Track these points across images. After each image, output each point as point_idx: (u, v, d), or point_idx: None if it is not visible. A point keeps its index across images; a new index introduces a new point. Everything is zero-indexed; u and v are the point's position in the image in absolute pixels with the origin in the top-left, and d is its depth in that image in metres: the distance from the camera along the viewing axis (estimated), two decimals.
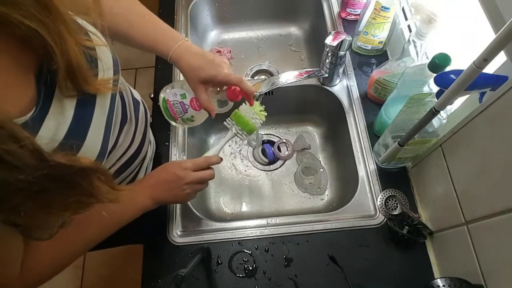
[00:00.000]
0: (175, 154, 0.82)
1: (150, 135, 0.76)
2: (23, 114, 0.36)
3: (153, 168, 0.73)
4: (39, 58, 0.38)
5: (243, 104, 0.67)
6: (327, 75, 0.85)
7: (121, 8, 0.62)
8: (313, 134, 1.02)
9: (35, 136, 0.36)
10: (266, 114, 0.67)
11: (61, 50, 0.37)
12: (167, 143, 0.83)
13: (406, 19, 0.88)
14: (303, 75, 0.81)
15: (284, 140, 1.00)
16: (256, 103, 0.67)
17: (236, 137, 0.67)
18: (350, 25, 0.97)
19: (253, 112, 0.65)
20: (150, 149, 0.74)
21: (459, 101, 0.68)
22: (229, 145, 1.01)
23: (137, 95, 0.68)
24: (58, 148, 0.38)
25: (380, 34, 0.85)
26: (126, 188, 0.50)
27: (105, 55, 0.47)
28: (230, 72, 0.64)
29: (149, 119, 0.71)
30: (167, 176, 0.61)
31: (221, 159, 0.66)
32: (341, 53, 0.78)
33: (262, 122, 0.67)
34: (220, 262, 0.71)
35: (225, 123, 0.67)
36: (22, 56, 0.37)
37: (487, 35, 0.52)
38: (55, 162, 0.31)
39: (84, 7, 0.42)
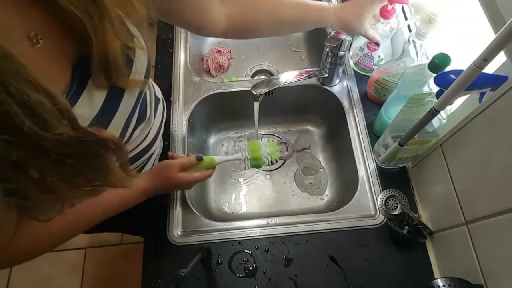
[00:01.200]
0: (176, 154, 0.82)
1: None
2: None
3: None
4: (79, 48, 0.40)
5: (264, 140, 0.70)
6: (327, 75, 0.85)
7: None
8: (313, 134, 1.02)
9: None
10: (278, 158, 0.70)
11: (99, 42, 0.38)
12: (167, 143, 0.83)
13: (406, 19, 0.88)
14: (303, 75, 0.81)
15: (284, 140, 1.00)
16: (274, 143, 0.70)
17: (238, 160, 0.70)
18: None
19: (269, 151, 0.68)
20: (160, 146, 0.76)
21: (459, 101, 0.68)
22: (230, 146, 1.01)
23: (158, 93, 0.70)
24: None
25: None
26: (138, 176, 0.51)
27: (140, 58, 0.48)
28: None
29: (165, 117, 0.73)
30: (166, 178, 0.63)
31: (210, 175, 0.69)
32: (341, 53, 0.78)
33: (271, 163, 0.69)
34: (220, 262, 0.71)
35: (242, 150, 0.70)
36: (64, 42, 0.39)
37: (487, 35, 0.52)
38: (82, 128, 0.33)
39: (131, 7, 0.43)
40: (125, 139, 0.53)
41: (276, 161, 0.71)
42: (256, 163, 0.69)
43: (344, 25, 0.69)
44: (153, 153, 0.70)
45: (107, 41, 0.39)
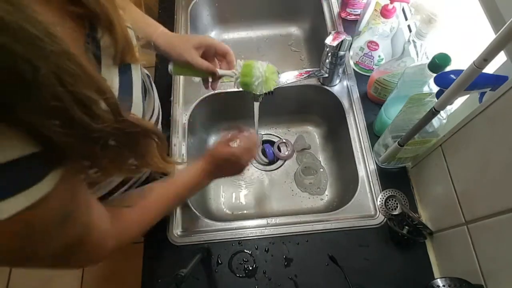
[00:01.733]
0: (175, 154, 0.82)
1: None
2: None
3: None
4: (85, 28, 0.42)
5: (263, 62, 0.64)
6: (327, 75, 0.85)
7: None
8: (313, 134, 1.02)
9: None
10: (274, 84, 0.65)
11: (120, 26, 0.42)
12: (167, 143, 0.83)
13: (406, 19, 0.88)
14: (303, 75, 0.81)
15: (284, 140, 1.00)
16: (272, 68, 0.64)
17: (227, 78, 0.67)
18: (350, 25, 0.97)
19: (263, 74, 0.63)
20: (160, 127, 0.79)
21: (459, 101, 0.68)
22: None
23: (145, 70, 0.72)
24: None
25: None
26: (174, 162, 0.56)
27: (130, 29, 0.52)
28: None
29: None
30: (221, 159, 0.64)
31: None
32: (341, 53, 0.78)
33: (262, 89, 0.65)
34: (220, 262, 0.71)
35: (237, 62, 0.66)
36: (76, 30, 0.41)
37: (487, 35, 0.52)
38: (125, 119, 0.35)
39: None
40: (143, 113, 0.55)
41: (274, 84, 0.65)
42: (244, 81, 0.64)
43: (171, 48, 0.66)
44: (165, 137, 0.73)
45: (117, 17, 0.42)
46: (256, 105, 0.79)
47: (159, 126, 0.73)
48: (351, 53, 0.91)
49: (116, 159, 0.37)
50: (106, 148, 0.34)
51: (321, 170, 0.93)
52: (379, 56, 0.85)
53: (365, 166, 0.79)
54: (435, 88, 0.56)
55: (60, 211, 0.34)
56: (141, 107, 0.52)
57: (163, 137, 0.42)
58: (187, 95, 0.90)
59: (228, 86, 0.91)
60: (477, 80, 0.44)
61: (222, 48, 0.67)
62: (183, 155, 0.83)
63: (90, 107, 0.30)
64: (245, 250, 0.72)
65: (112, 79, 0.45)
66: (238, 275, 0.69)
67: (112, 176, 0.43)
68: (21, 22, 0.24)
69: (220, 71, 0.67)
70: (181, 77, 0.92)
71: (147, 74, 0.70)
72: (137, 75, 0.52)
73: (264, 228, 0.74)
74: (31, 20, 0.24)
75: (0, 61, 0.23)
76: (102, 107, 0.32)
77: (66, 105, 0.28)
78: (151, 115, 0.66)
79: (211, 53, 0.68)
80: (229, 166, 0.66)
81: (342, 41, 0.75)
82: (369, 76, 0.85)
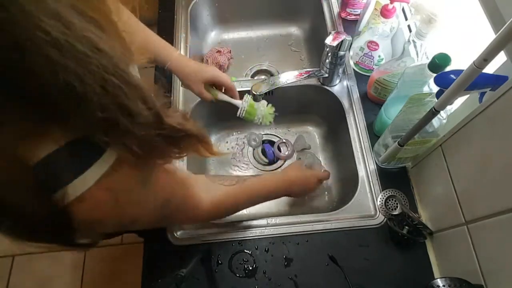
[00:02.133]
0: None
1: None
2: None
3: None
4: None
5: (264, 101, 0.80)
6: (327, 75, 0.85)
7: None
8: (313, 134, 1.02)
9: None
10: (270, 121, 0.80)
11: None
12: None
13: (406, 19, 0.88)
14: (303, 75, 0.81)
15: (284, 140, 1.00)
16: (271, 108, 0.80)
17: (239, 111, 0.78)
18: (350, 25, 0.97)
19: (264, 111, 0.78)
20: None
21: (459, 101, 0.68)
22: (230, 146, 1.01)
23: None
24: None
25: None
26: (223, 152, 0.61)
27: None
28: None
29: None
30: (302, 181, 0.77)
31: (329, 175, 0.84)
32: (341, 53, 0.78)
33: (261, 122, 0.79)
34: (220, 262, 0.71)
35: (246, 96, 0.78)
36: None
37: (487, 35, 0.52)
38: (169, 125, 0.36)
39: None
40: None
41: (270, 123, 0.81)
42: (248, 115, 0.78)
43: (183, 77, 0.75)
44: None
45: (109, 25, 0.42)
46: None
47: None
48: (351, 53, 0.91)
49: (160, 155, 0.40)
50: (151, 147, 0.36)
51: (322, 170, 0.93)
52: (379, 56, 0.85)
53: (365, 166, 0.79)
54: (435, 88, 0.56)
55: (137, 177, 0.38)
56: None
57: (207, 139, 0.43)
58: (187, 95, 0.90)
59: None
60: (477, 80, 0.44)
61: (231, 89, 0.78)
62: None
63: (135, 117, 0.31)
64: (245, 250, 0.72)
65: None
66: (238, 275, 0.69)
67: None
68: (72, 41, 0.26)
69: (225, 97, 0.78)
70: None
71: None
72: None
73: (264, 228, 0.74)
74: (80, 39, 0.26)
75: (53, 76, 0.25)
76: (146, 115, 0.33)
77: (111, 115, 0.29)
78: None
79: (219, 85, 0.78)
80: (302, 179, 0.77)
81: (342, 41, 0.75)
82: (369, 76, 0.85)
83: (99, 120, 0.29)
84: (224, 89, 0.79)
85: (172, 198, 0.48)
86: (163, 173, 0.45)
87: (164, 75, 0.91)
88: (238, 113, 0.77)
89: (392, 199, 0.75)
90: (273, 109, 0.81)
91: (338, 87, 0.90)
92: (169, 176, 0.47)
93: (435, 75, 0.55)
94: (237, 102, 0.77)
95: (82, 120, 0.29)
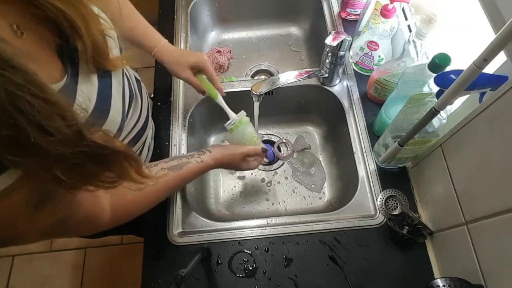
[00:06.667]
0: (175, 154, 0.82)
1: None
2: (58, 81, 0.41)
3: (154, 148, 0.81)
4: (58, 37, 0.42)
5: (250, 127, 0.77)
6: (327, 75, 0.85)
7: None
8: (313, 134, 1.02)
9: (73, 102, 0.42)
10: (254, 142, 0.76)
11: (87, 31, 0.41)
12: (167, 143, 0.83)
13: (406, 19, 0.88)
14: (303, 75, 0.81)
15: (284, 140, 1.00)
16: (257, 140, 0.77)
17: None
18: (350, 25, 0.97)
19: (250, 135, 0.76)
20: (152, 129, 0.78)
21: (459, 101, 0.68)
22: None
23: (136, 75, 0.73)
24: (91, 118, 0.42)
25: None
26: (152, 177, 0.54)
27: (112, 37, 0.52)
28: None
29: (149, 100, 0.77)
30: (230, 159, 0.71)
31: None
32: (341, 53, 0.78)
33: (246, 142, 0.76)
34: (220, 262, 0.71)
35: (238, 115, 0.76)
36: (46, 34, 0.41)
37: (487, 35, 0.52)
38: (92, 142, 0.34)
39: None
40: (126, 119, 0.57)
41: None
42: (233, 132, 0.76)
43: (169, 63, 0.74)
44: (147, 137, 0.73)
45: (91, 28, 0.41)
46: (256, 105, 0.79)
47: (147, 130, 0.71)
48: (351, 53, 0.91)
49: (86, 177, 0.37)
50: (69, 170, 0.33)
51: (321, 169, 0.93)
52: (379, 56, 0.85)
53: (365, 166, 0.79)
54: (435, 88, 0.56)
55: (31, 200, 0.36)
56: (119, 115, 0.51)
57: (135, 156, 0.41)
58: (187, 95, 0.90)
59: (228, 86, 0.91)
60: (477, 80, 0.44)
61: (211, 76, 0.75)
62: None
63: (51, 134, 0.30)
64: (245, 250, 0.72)
65: (91, 88, 0.45)
66: (238, 275, 0.70)
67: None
68: None
69: (223, 104, 0.76)
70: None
71: (136, 78, 0.70)
72: (117, 82, 0.51)
73: (264, 228, 0.74)
74: None
75: None
76: (64, 132, 0.31)
77: (23, 133, 0.28)
78: (137, 121, 0.65)
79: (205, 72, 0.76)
80: (230, 167, 0.74)
81: (342, 41, 0.75)
82: (369, 76, 0.85)
83: (7, 138, 0.27)
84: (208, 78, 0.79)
85: (71, 217, 0.44)
86: (65, 193, 0.41)
87: (164, 75, 0.91)
88: (227, 124, 0.75)
89: (392, 199, 0.75)
90: (259, 140, 0.78)
91: (338, 87, 0.90)
92: (71, 194, 0.42)
93: (435, 75, 0.55)
94: (231, 113, 0.76)
95: None
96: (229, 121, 0.75)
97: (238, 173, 0.97)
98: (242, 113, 0.76)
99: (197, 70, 0.75)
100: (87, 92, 0.45)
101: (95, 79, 0.46)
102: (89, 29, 0.42)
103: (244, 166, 0.74)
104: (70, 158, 0.32)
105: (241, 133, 0.75)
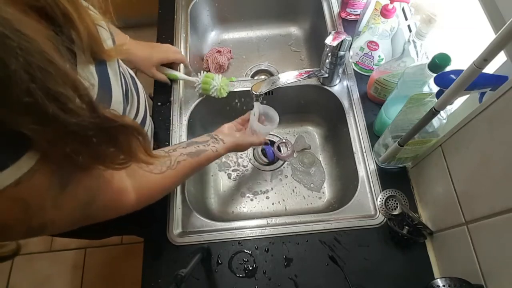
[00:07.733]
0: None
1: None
2: None
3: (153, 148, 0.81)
4: (52, 29, 0.42)
5: (219, 75, 0.85)
6: (327, 75, 0.85)
7: None
8: (313, 134, 1.02)
9: None
10: (227, 92, 0.86)
11: (80, 20, 0.41)
12: (167, 143, 0.83)
13: (406, 19, 0.88)
14: (303, 75, 0.81)
15: (284, 140, 1.00)
16: (225, 80, 0.85)
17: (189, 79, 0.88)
18: (350, 25, 0.97)
19: (219, 83, 0.84)
20: (151, 129, 0.78)
21: (459, 101, 0.68)
22: None
23: (130, 71, 0.73)
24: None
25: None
26: (160, 156, 0.57)
27: (103, 28, 0.51)
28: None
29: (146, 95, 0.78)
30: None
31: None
32: (341, 53, 0.78)
33: (217, 95, 0.85)
34: (220, 262, 0.71)
35: (201, 72, 0.86)
36: (41, 20, 0.40)
37: (487, 35, 0.52)
38: (102, 114, 0.35)
39: None
40: (126, 113, 0.57)
41: (227, 94, 0.86)
42: (204, 92, 0.85)
43: (134, 63, 0.80)
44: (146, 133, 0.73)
45: (86, 19, 0.41)
46: (256, 105, 0.79)
47: (146, 127, 0.72)
48: (351, 53, 0.91)
49: (97, 154, 0.38)
50: (82, 143, 0.34)
51: (321, 169, 0.93)
52: (379, 56, 0.85)
53: (365, 166, 0.79)
54: (435, 88, 0.56)
55: (55, 180, 0.37)
56: (121, 105, 0.52)
57: (143, 132, 0.42)
58: (187, 95, 0.90)
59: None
60: (477, 80, 0.44)
61: (182, 61, 0.88)
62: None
63: (64, 103, 0.30)
64: (245, 250, 0.72)
65: (91, 74, 0.46)
66: (238, 275, 0.70)
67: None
68: None
69: (183, 76, 0.88)
70: None
71: (131, 76, 0.70)
72: (113, 73, 0.51)
73: (264, 228, 0.74)
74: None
75: None
76: (77, 103, 0.32)
77: (39, 101, 0.28)
78: (134, 118, 0.65)
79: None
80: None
81: (342, 41, 0.75)
82: (369, 76, 0.85)
83: (25, 106, 0.28)
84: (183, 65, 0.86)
85: (95, 200, 0.45)
86: (86, 173, 0.42)
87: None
88: (196, 88, 0.85)
89: (392, 199, 0.75)
90: (228, 81, 0.86)
91: (338, 87, 0.90)
92: (92, 175, 0.44)
93: (435, 75, 0.55)
94: (192, 79, 0.85)
95: (5, 108, 0.28)
96: (196, 85, 0.84)
97: (238, 173, 0.97)
98: (202, 73, 0.85)
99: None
100: (87, 80, 0.44)
101: (93, 68, 0.46)
102: (82, 17, 0.41)
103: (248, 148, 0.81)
104: (84, 129, 0.33)
105: (211, 88, 0.83)
